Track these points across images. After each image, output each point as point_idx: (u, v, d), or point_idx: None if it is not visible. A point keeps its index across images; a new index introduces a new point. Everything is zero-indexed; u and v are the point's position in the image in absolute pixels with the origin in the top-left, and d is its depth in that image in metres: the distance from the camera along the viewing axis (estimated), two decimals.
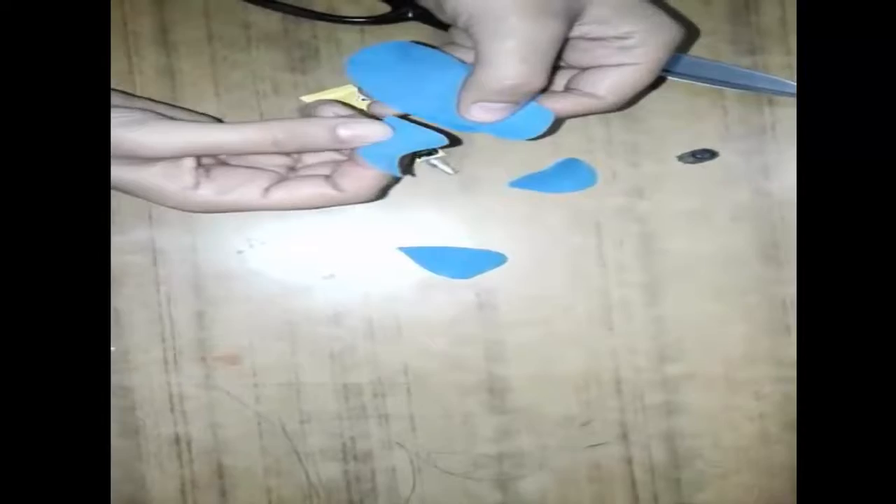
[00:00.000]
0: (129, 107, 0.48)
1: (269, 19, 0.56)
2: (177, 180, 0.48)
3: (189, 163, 0.48)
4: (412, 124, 0.48)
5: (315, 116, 0.49)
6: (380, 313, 0.57)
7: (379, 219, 0.57)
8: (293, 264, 0.57)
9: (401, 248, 0.57)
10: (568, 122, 0.56)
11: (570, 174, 0.56)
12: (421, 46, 0.50)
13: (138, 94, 0.55)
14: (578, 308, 0.57)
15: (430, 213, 0.57)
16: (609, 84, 0.48)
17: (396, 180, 0.54)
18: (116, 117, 0.46)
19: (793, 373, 0.57)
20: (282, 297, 0.57)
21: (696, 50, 0.56)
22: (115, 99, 0.50)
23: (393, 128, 0.47)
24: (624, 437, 0.57)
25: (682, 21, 0.49)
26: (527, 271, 0.57)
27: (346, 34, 0.56)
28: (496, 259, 0.57)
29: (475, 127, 0.48)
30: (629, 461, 0.58)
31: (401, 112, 0.49)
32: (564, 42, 0.46)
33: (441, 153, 0.55)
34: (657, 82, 0.54)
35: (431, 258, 0.57)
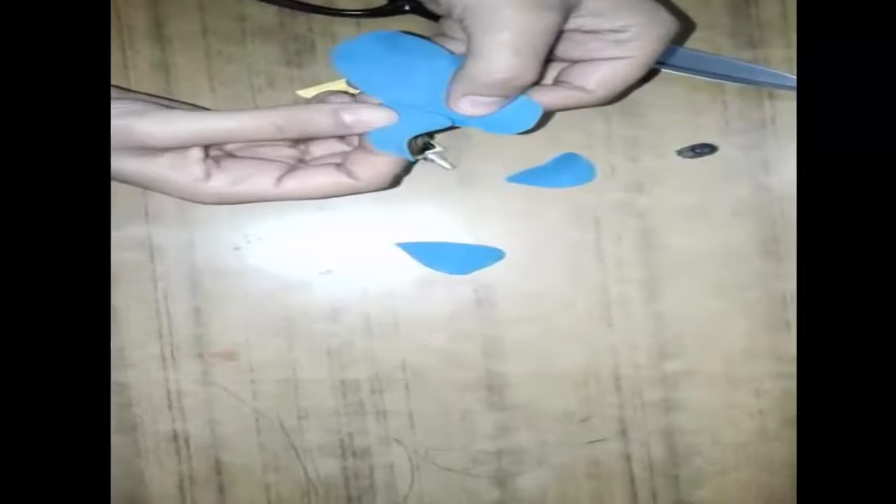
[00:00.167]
0: (131, 98, 0.48)
1: (264, 13, 0.55)
2: (186, 172, 0.47)
3: (196, 153, 0.47)
4: (423, 108, 0.48)
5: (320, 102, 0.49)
6: (378, 309, 0.57)
7: (376, 214, 0.56)
8: (290, 260, 0.57)
9: (399, 244, 0.56)
10: (566, 117, 0.55)
11: (569, 169, 0.56)
12: (410, 37, 0.49)
13: (133, 88, 0.55)
14: (577, 304, 0.57)
15: (427, 208, 0.56)
16: (599, 77, 0.48)
17: (409, 169, 0.54)
18: (119, 107, 0.46)
19: (793, 369, 0.57)
20: (279, 293, 0.57)
21: (696, 43, 0.56)
22: (114, 92, 0.50)
23: (398, 112, 0.47)
24: (623, 433, 0.57)
25: (677, 14, 0.49)
26: (525, 267, 0.57)
27: (342, 27, 0.56)
28: (494, 255, 0.56)
29: (462, 121, 0.48)
30: (628, 458, 0.57)
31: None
32: (560, 34, 0.46)
33: (438, 148, 0.55)
34: (650, 74, 0.53)
35: (429, 254, 0.56)
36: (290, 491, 0.57)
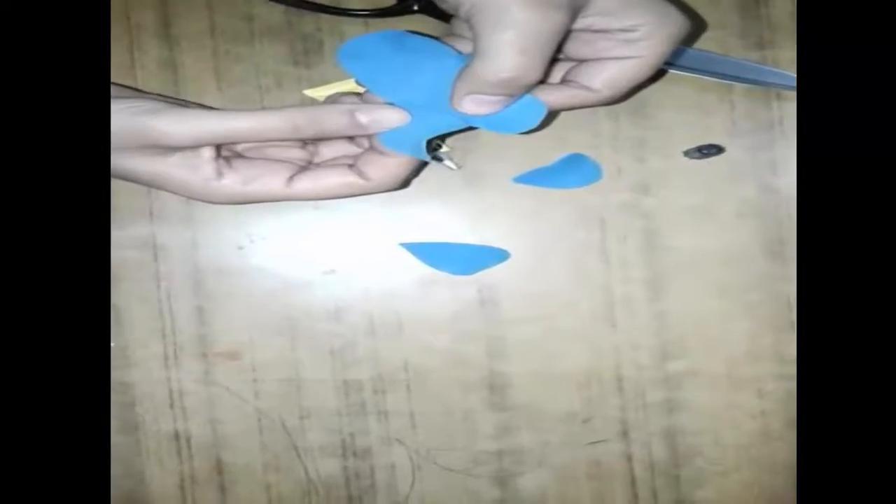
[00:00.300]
0: (145, 97, 0.48)
1: (272, 12, 0.55)
2: (198, 171, 0.47)
3: (207, 153, 0.47)
4: (438, 107, 0.47)
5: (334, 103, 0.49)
6: (380, 309, 0.57)
7: (380, 214, 0.56)
8: (294, 260, 0.56)
9: (402, 244, 0.56)
10: (573, 117, 0.55)
11: (575, 169, 0.56)
12: (417, 36, 0.49)
13: (140, 88, 0.55)
14: (581, 304, 0.57)
15: (432, 208, 0.56)
16: (606, 77, 0.47)
17: (419, 171, 0.54)
18: (134, 106, 0.46)
19: (795, 370, 0.57)
20: (282, 292, 0.56)
21: (705, 44, 0.55)
22: (127, 92, 0.50)
23: (411, 112, 0.47)
24: (625, 434, 0.57)
25: (688, 13, 0.48)
26: (529, 267, 0.57)
27: (351, 27, 0.55)
28: (499, 255, 0.56)
29: (466, 120, 0.48)
30: (629, 458, 0.57)
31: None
32: (567, 34, 0.45)
33: (445, 147, 0.54)
34: (658, 74, 0.53)
35: (433, 254, 0.56)
36: (291, 491, 0.57)
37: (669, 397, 0.57)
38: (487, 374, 0.57)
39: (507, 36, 0.43)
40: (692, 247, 0.56)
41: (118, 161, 0.47)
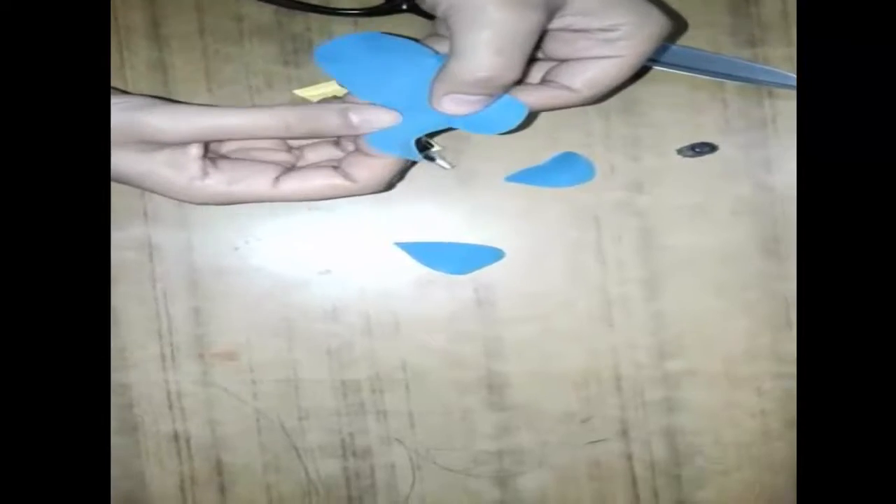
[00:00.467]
0: (136, 95, 0.48)
1: (261, 12, 0.55)
2: (183, 170, 0.47)
3: (195, 151, 0.47)
4: (419, 108, 0.47)
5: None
6: (377, 309, 0.57)
7: (376, 214, 0.56)
8: (290, 260, 0.57)
9: (398, 244, 0.56)
10: (565, 116, 0.55)
11: (568, 168, 0.56)
12: (393, 37, 0.49)
13: (130, 89, 0.55)
14: (578, 304, 0.57)
15: (427, 207, 0.56)
16: (587, 77, 0.47)
17: (404, 174, 0.54)
18: (124, 102, 0.46)
19: (794, 369, 0.56)
20: (279, 293, 0.57)
21: (696, 42, 0.55)
22: (117, 91, 0.50)
23: (401, 113, 0.47)
24: (624, 433, 0.57)
25: (670, 13, 0.48)
26: (525, 267, 0.57)
27: (340, 26, 0.55)
28: (494, 254, 0.56)
29: (447, 121, 0.48)
30: (629, 458, 0.57)
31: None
32: (544, 33, 0.45)
33: (437, 147, 0.55)
34: (641, 72, 0.53)
35: (429, 254, 0.56)
36: (290, 491, 0.57)
37: (668, 396, 0.57)
38: (485, 373, 0.57)
39: (484, 35, 0.43)
40: (688, 245, 0.56)
41: None
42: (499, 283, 0.57)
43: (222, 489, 0.57)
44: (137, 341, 0.56)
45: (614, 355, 0.57)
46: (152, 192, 0.49)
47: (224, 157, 0.50)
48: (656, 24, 0.46)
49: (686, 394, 0.57)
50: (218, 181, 0.48)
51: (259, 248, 0.56)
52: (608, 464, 0.57)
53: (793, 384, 0.57)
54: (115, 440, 0.57)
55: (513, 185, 0.56)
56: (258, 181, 0.49)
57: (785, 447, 0.57)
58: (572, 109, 0.50)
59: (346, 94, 0.50)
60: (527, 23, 0.43)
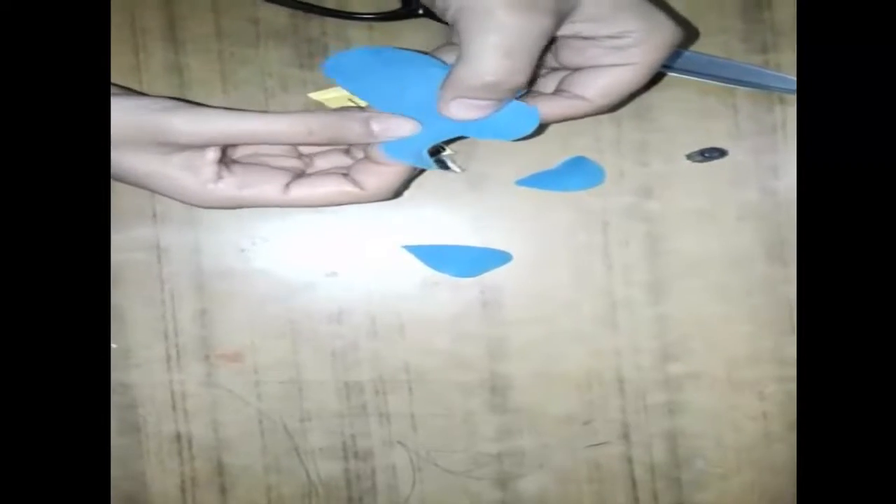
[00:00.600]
0: (157, 97, 0.48)
1: (277, 15, 0.55)
2: (198, 173, 0.47)
3: (212, 155, 0.47)
4: (431, 117, 0.47)
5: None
6: (382, 311, 0.57)
7: (383, 216, 0.56)
8: (296, 262, 0.56)
9: (405, 247, 0.56)
10: (576, 122, 0.54)
11: (578, 172, 0.56)
12: (401, 50, 0.49)
13: (145, 91, 0.55)
14: (583, 307, 0.57)
15: (435, 210, 0.56)
16: (600, 86, 0.47)
17: (410, 182, 0.54)
18: (149, 103, 0.46)
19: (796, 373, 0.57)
20: (284, 295, 0.56)
21: (708, 47, 0.55)
22: (135, 93, 0.50)
23: (420, 122, 0.47)
24: (625, 436, 0.57)
25: (680, 21, 0.48)
26: (532, 269, 0.57)
27: (356, 31, 0.55)
28: (501, 258, 0.56)
29: (460, 129, 0.47)
30: (630, 461, 0.57)
31: None
32: (554, 41, 0.46)
33: (448, 151, 0.55)
34: (656, 78, 0.53)
35: (436, 256, 0.56)
36: (291, 492, 0.57)
37: (670, 399, 0.57)
38: (488, 375, 0.57)
39: (491, 39, 0.43)
40: (694, 250, 0.56)
41: (115, 158, 0.47)
42: (504, 286, 0.57)
43: (223, 490, 0.57)
44: (143, 342, 0.56)
45: (618, 358, 0.57)
46: (162, 194, 0.49)
47: (236, 161, 0.50)
48: (667, 31, 0.46)
49: (688, 397, 0.57)
50: (228, 185, 0.48)
51: (265, 249, 0.56)
52: (608, 466, 0.57)
53: (795, 388, 0.57)
54: (118, 440, 0.56)
55: (521, 188, 0.56)
56: (269, 186, 0.49)
57: (786, 450, 0.57)
58: None
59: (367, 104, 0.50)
60: (535, 27, 0.43)
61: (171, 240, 0.56)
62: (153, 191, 0.49)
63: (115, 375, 0.56)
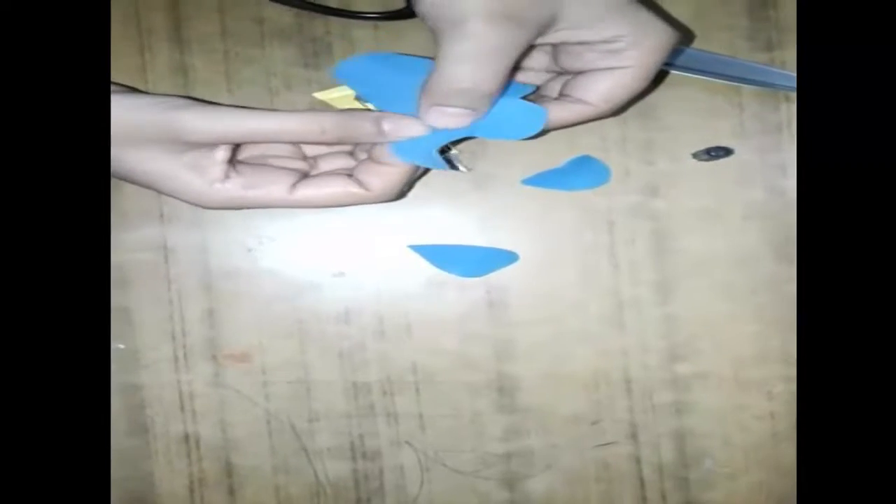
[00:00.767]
0: (168, 95, 0.48)
1: (282, 15, 0.55)
2: (205, 173, 0.48)
3: (222, 154, 0.48)
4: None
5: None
6: (390, 311, 0.57)
7: (390, 216, 0.56)
8: (303, 262, 0.57)
9: (411, 247, 0.56)
10: None
11: (584, 171, 0.56)
12: (405, 56, 0.50)
13: (151, 90, 0.55)
14: (590, 306, 0.57)
15: (442, 210, 0.56)
16: (601, 90, 0.47)
17: (414, 183, 0.54)
18: (163, 102, 0.46)
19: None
20: (292, 295, 0.56)
21: (713, 46, 0.55)
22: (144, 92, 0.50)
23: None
24: (633, 436, 0.57)
25: (673, 23, 0.48)
26: (538, 269, 0.57)
27: (360, 30, 0.55)
28: (508, 257, 0.56)
29: (469, 129, 0.48)
30: (638, 460, 0.57)
31: None
32: (530, 48, 0.45)
33: (455, 150, 0.55)
34: (658, 77, 0.53)
35: (443, 256, 0.56)
36: (300, 493, 0.57)
37: (678, 399, 0.57)
38: (496, 376, 0.57)
39: (464, 47, 0.43)
40: (700, 249, 0.56)
41: (122, 157, 0.47)
42: (511, 286, 0.57)
43: (231, 491, 0.57)
44: (150, 342, 0.56)
45: (625, 358, 0.57)
46: (168, 194, 0.49)
47: (242, 162, 0.50)
48: (660, 34, 0.46)
49: (695, 397, 0.57)
50: (235, 185, 0.48)
51: (273, 249, 0.56)
52: (616, 466, 0.57)
53: None
54: (126, 441, 0.56)
55: (527, 188, 0.56)
56: (275, 187, 0.49)
57: (793, 450, 0.57)
58: None
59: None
60: (510, 38, 0.43)
61: (179, 240, 0.56)
62: (158, 190, 0.49)
63: (123, 376, 0.56)
